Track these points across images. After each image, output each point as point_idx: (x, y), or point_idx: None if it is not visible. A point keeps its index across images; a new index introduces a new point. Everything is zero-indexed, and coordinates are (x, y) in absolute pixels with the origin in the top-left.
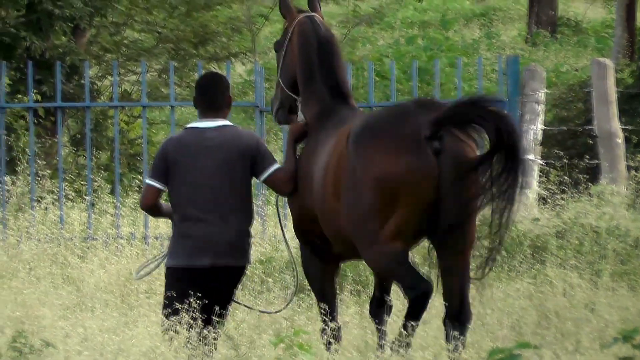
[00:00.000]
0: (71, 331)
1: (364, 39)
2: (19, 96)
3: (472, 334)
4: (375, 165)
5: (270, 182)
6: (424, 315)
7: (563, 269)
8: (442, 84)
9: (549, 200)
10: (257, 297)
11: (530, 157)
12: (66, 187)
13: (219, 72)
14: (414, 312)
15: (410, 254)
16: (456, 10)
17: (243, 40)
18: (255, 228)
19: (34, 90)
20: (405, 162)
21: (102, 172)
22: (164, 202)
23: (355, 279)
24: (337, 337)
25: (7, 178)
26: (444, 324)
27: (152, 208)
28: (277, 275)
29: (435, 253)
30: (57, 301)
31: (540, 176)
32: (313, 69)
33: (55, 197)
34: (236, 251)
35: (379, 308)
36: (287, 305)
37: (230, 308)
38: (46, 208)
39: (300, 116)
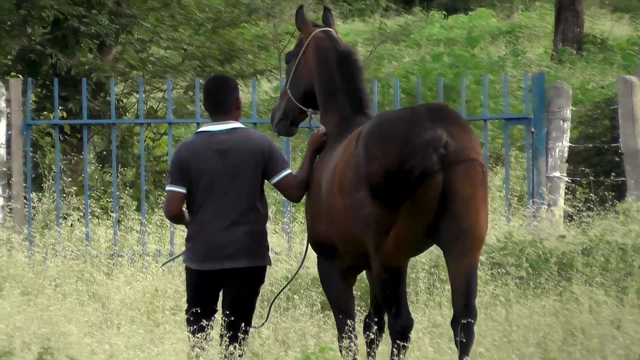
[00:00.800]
0: (97, 348)
1: (389, 56)
2: (45, 113)
3: (498, 350)
4: (379, 170)
5: (280, 186)
6: (452, 333)
7: (589, 286)
8: (468, 101)
9: (575, 217)
10: (283, 314)
11: (557, 174)
12: (92, 204)
13: (227, 75)
14: (395, 341)
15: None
16: (482, 27)
17: (269, 57)
18: (281, 245)
19: (60, 107)
20: (411, 169)
21: (128, 189)
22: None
23: None
24: (355, 352)
25: (33, 195)
26: (452, 325)
27: (177, 215)
28: (302, 292)
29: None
30: (83, 318)
31: (566, 193)
32: (334, 82)
33: (81, 214)
34: (246, 252)
35: (369, 326)
36: (266, 320)
37: (253, 316)
38: (72, 225)
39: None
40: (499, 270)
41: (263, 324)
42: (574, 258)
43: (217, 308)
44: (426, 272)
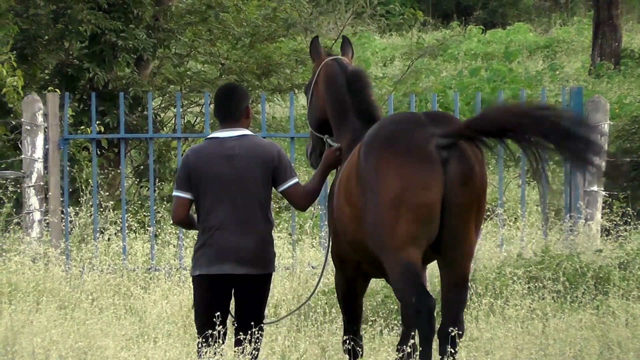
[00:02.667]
0: None
1: (427, 71)
2: (82, 127)
3: None
4: (383, 172)
5: (287, 194)
6: (490, 346)
7: (626, 300)
8: None
9: (612, 231)
10: (320, 327)
11: (594, 188)
12: (129, 218)
13: (238, 84)
14: (422, 332)
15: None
16: (520, 42)
17: (307, 71)
18: (318, 259)
19: (97, 122)
20: (414, 170)
21: (165, 203)
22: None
23: None
24: (357, 354)
25: (70, 209)
26: (439, 335)
27: (184, 220)
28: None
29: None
30: (120, 332)
31: (603, 207)
32: (344, 101)
33: (118, 228)
34: (258, 260)
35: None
36: (291, 313)
37: (264, 322)
38: (109, 239)
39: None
40: (536, 284)
41: (276, 322)
42: (610, 272)
43: (227, 325)
44: None
